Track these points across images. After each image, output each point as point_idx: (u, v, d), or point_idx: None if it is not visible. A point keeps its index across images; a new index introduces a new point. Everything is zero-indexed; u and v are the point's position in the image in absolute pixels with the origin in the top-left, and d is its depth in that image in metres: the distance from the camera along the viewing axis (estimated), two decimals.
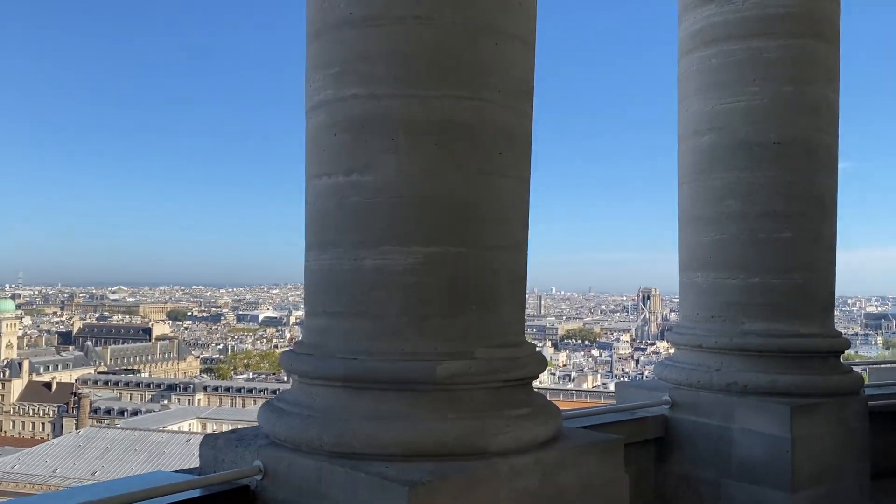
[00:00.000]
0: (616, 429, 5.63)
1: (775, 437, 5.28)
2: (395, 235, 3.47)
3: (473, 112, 3.54)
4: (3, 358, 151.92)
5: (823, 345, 5.74)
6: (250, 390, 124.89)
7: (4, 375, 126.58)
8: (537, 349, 3.91)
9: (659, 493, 5.93)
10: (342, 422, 3.33)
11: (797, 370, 5.61)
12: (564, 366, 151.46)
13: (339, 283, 3.57)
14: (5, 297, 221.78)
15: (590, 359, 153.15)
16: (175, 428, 78.27)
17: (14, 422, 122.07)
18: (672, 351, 6.47)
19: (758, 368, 5.64)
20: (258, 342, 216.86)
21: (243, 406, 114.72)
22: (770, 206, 5.74)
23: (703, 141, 6.01)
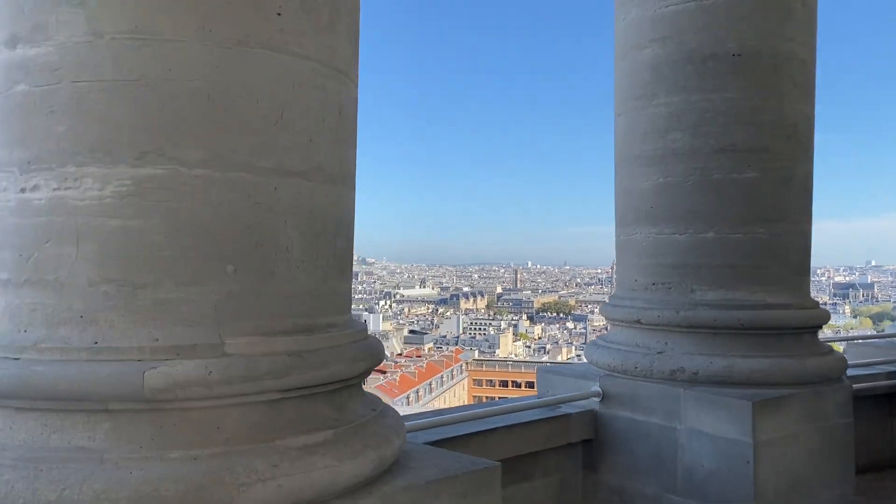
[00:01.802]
0: (531, 430, 4.33)
1: (733, 441, 3.98)
2: (87, 147, 2.06)
3: None
4: None
5: (797, 318, 4.43)
6: None
7: None
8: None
9: None
10: None
11: (762, 351, 4.31)
12: (539, 338, 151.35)
13: None
14: None
15: (565, 331, 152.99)
16: None
17: None
18: (598, 332, 5.14)
19: (711, 350, 4.34)
20: None
21: None
22: (728, 137, 4.40)
23: (642, 56, 4.63)
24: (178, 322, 2.07)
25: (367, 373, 2.55)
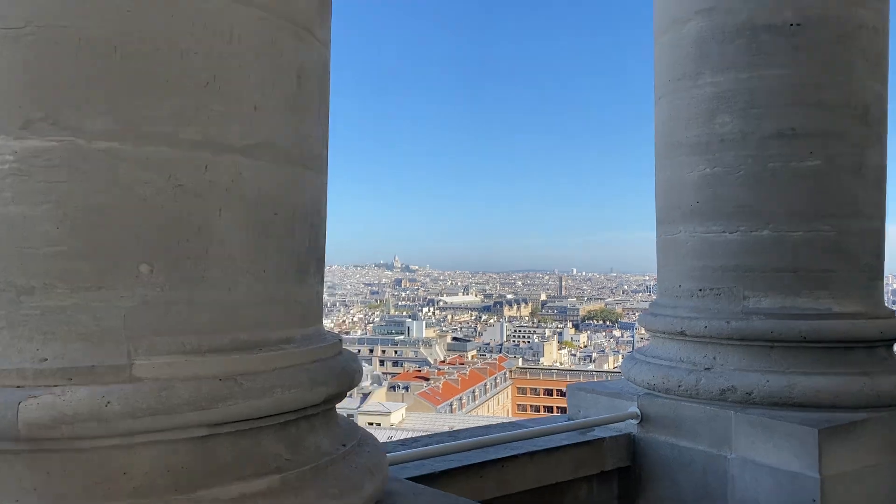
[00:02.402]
0: (559, 457, 3.79)
1: (794, 474, 3.37)
2: None
3: None
4: None
5: (869, 329, 3.80)
6: None
7: None
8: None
9: None
10: None
11: (828, 368, 3.69)
12: (585, 347, 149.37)
13: None
14: None
15: (611, 339, 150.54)
16: None
17: None
18: (647, 340, 4.58)
19: (768, 366, 3.74)
20: None
21: None
22: (785, 120, 3.80)
23: (686, 31, 4.06)
24: (73, 337, 1.61)
25: (334, 399, 2.06)
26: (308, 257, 2.06)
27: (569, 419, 4.39)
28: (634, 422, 4.05)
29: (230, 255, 1.79)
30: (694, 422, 3.79)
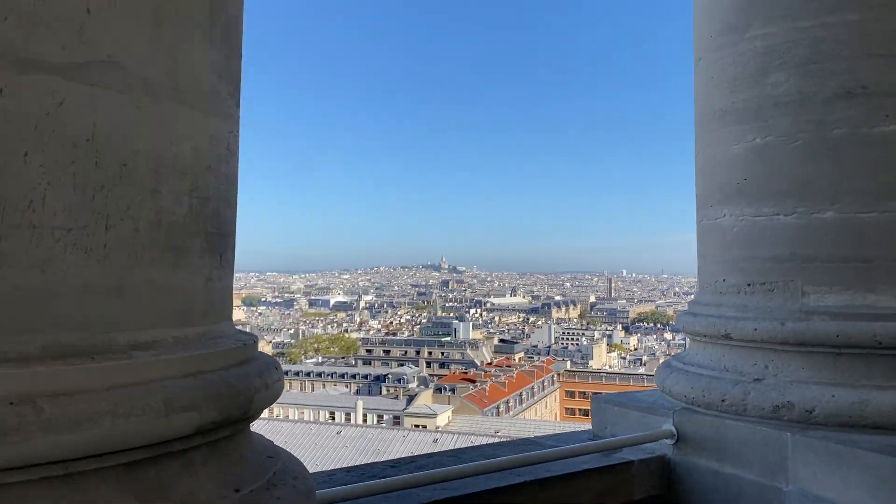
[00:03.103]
0: (579, 483, 3.17)
1: None
2: None
3: None
4: None
5: None
6: (319, 374, 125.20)
7: None
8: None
9: None
10: None
11: None
12: (635, 350, 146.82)
13: None
14: None
15: (662, 342, 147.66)
16: None
17: None
18: (686, 345, 3.90)
19: (833, 378, 3.04)
20: (328, 327, 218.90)
21: (312, 390, 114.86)
22: (854, 77, 3.10)
23: None
24: None
25: (222, 427, 1.48)
26: (190, 228, 1.49)
27: (593, 437, 3.75)
28: (669, 442, 3.39)
29: (42, 220, 1.23)
30: (741, 444, 3.11)
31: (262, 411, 1.62)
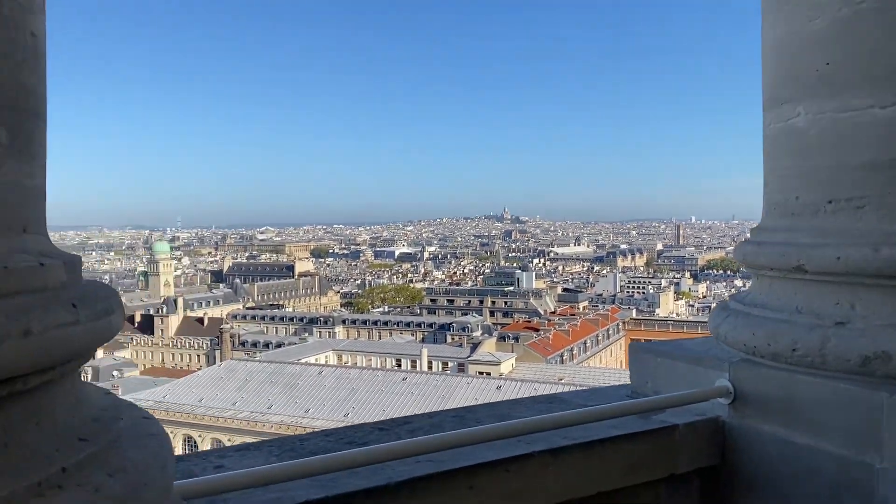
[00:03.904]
0: (610, 452, 2.55)
1: None
2: None
3: None
4: (161, 295, 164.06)
5: None
6: (385, 323, 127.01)
7: (163, 311, 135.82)
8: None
9: None
10: None
11: None
12: (704, 297, 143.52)
13: None
14: (161, 240, 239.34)
15: (733, 290, 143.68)
16: (313, 360, 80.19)
17: (173, 354, 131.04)
18: (742, 283, 3.15)
19: None
20: (394, 277, 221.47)
21: (379, 338, 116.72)
22: None
23: None
24: None
25: None
26: None
27: (631, 395, 3.09)
28: (725, 401, 2.70)
29: None
30: (818, 406, 2.41)
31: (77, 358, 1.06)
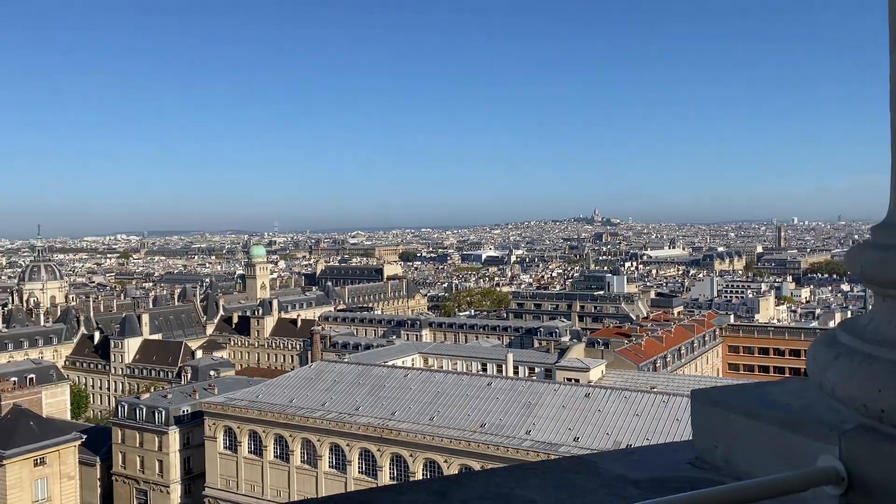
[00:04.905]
0: None
1: None
2: None
3: None
4: (257, 297, 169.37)
5: None
6: (472, 326, 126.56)
7: (259, 313, 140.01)
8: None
9: None
10: None
11: None
12: (808, 302, 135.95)
13: None
14: (258, 245, 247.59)
15: (839, 294, 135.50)
16: (399, 362, 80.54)
17: (267, 354, 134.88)
18: (850, 287, 2.18)
19: None
20: (481, 281, 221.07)
21: (465, 341, 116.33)
22: None
23: None
24: None
25: None
26: None
27: (692, 463, 2.17)
28: (834, 491, 1.77)
29: None
30: None
31: None
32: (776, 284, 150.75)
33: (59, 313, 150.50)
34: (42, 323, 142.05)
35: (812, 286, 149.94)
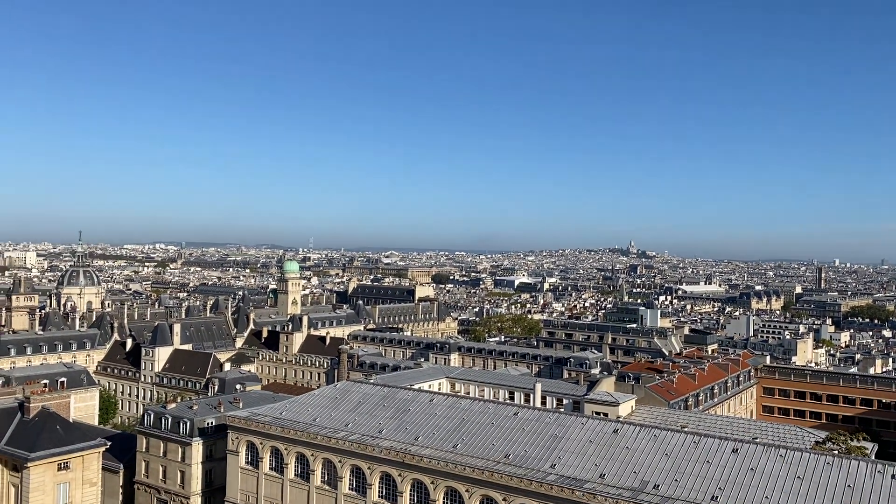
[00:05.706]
0: None
1: None
2: None
3: None
4: (288, 313, 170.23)
5: None
6: (501, 353, 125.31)
7: (288, 329, 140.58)
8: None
9: None
10: None
11: None
12: (847, 346, 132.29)
13: None
14: (291, 260, 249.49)
15: (879, 340, 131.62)
16: (426, 386, 79.80)
17: (294, 371, 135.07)
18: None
19: None
20: (512, 307, 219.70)
21: (494, 367, 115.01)
22: None
23: None
24: None
25: None
26: None
27: None
28: None
29: None
30: None
31: None
32: (815, 326, 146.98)
33: (94, 318, 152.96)
34: (77, 327, 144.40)
35: (852, 330, 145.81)
